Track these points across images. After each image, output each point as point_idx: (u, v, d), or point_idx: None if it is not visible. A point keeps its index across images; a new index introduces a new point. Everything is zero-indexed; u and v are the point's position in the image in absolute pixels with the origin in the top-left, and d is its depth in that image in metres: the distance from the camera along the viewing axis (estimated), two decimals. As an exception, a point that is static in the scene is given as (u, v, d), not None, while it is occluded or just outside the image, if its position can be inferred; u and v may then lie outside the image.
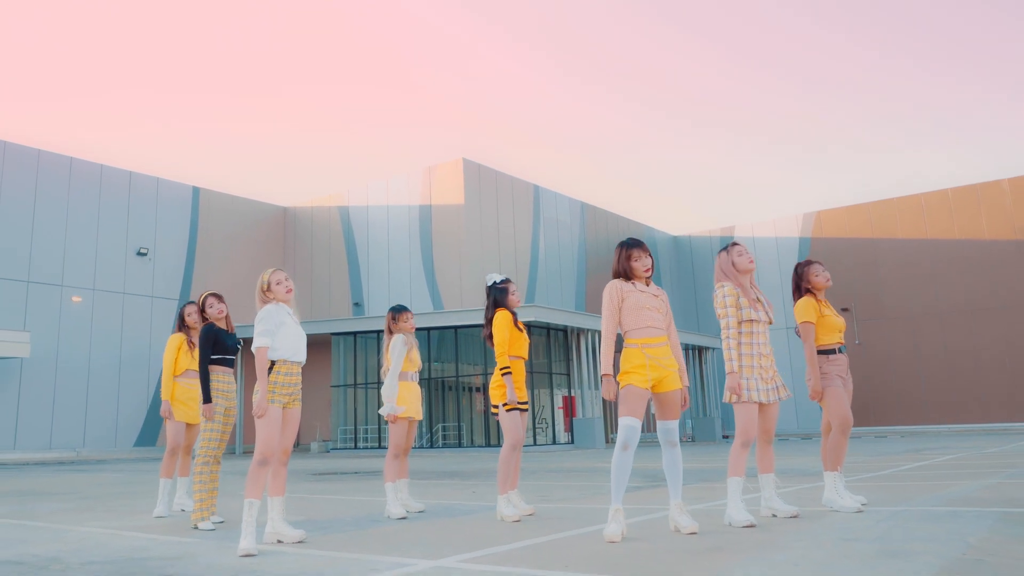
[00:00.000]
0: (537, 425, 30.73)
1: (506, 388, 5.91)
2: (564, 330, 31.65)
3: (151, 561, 4.26)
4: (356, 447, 31.73)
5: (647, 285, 4.92)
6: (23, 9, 74.88)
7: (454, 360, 31.58)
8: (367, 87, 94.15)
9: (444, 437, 31.38)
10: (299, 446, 35.05)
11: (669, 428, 4.79)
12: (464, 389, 31.90)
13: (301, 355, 5.10)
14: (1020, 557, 3.52)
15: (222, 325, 6.35)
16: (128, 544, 4.98)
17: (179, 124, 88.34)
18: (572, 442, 30.36)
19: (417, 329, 30.60)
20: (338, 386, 32.94)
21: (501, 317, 6.06)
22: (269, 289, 5.13)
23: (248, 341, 5.39)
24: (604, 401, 33.22)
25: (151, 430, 31.99)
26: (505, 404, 5.90)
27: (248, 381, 30.54)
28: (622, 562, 3.77)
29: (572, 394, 31.53)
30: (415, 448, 30.48)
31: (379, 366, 7.01)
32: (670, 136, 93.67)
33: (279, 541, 4.84)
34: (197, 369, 6.99)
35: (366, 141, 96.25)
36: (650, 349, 4.73)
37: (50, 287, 30.01)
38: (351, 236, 38.31)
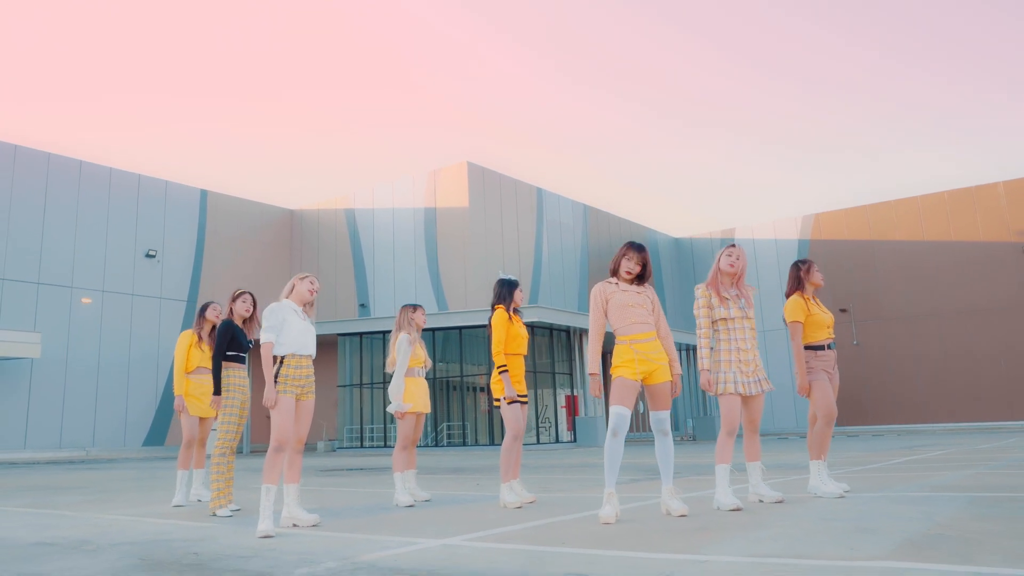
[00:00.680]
0: (540, 424, 31.04)
1: (504, 384, 6.18)
2: (567, 330, 31.98)
3: (175, 543, 4.57)
4: (362, 446, 32.07)
5: (630, 285, 5.21)
6: (33, 14, 75.45)
7: (458, 360, 31.92)
8: (372, 91, 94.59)
9: (449, 436, 31.69)
10: (306, 444, 35.34)
11: (660, 418, 5.08)
12: (468, 389, 32.22)
13: (308, 348, 5.37)
14: (976, 531, 3.83)
15: (240, 323, 6.57)
16: (151, 529, 5.29)
17: (187, 128, 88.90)
18: (575, 441, 30.67)
19: (422, 330, 31.02)
20: (344, 386, 33.27)
21: (497, 317, 6.35)
22: (293, 289, 5.51)
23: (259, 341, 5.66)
24: (606, 400, 33.50)
25: (160, 429, 32.36)
26: (506, 398, 6.17)
27: (258, 381, 30.90)
28: (613, 540, 4.08)
29: (575, 394, 31.86)
30: (420, 447, 30.81)
31: (384, 363, 7.41)
32: (672, 138, 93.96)
33: (294, 525, 5.16)
34: (209, 366, 7.34)
35: (371, 145, 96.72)
36: (638, 345, 5.02)
37: (60, 289, 30.40)
38: (357, 238, 38.65)
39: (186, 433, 7.40)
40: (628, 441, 27.84)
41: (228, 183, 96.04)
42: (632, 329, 5.05)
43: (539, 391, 31.03)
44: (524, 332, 6.44)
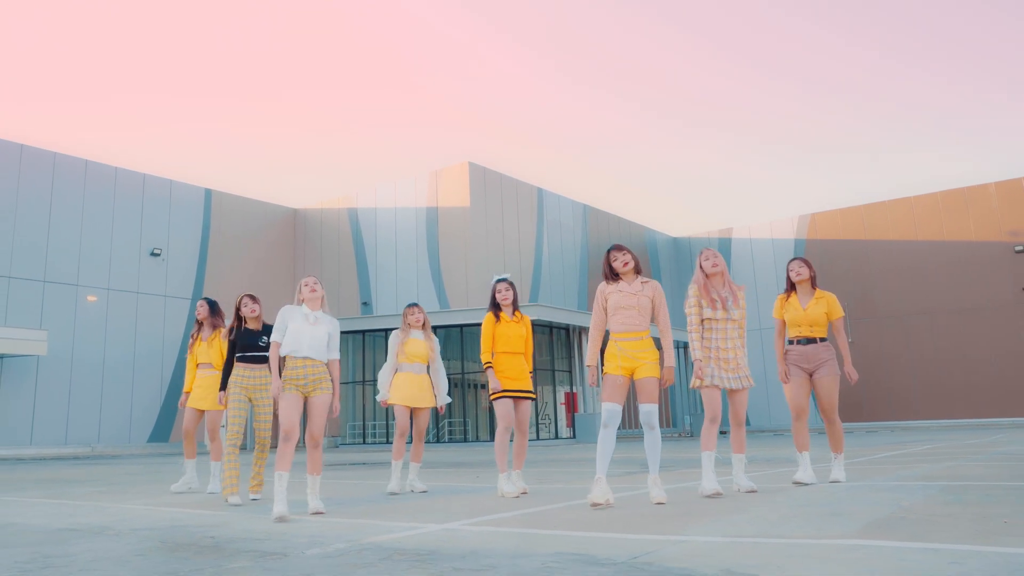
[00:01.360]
0: (540, 421, 31.37)
1: (489, 379, 6.53)
2: (567, 328, 32.31)
3: (191, 528, 4.86)
4: (364, 442, 32.41)
5: (630, 282, 5.56)
6: (38, 15, 75.76)
7: (460, 358, 32.24)
8: (374, 92, 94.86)
9: (450, 432, 32.03)
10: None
11: (646, 411, 5.39)
12: (469, 386, 32.55)
13: (303, 351, 5.59)
14: (938, 515, 4.13)
15: (251, 325, 6.84)
16: (167, 516, 5.59)
17: (191, 128, 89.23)
18: (574, 437, 31.01)
19: (424, 326, 31.34)
20: (347, 383, 33.60)
21: (485, 321, 6.68)
22: (300, 292, 5.85)
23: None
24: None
25: (164, 426, 32.68)
26: (491, 393, 6.52)
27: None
28: (601, 524, 4.38)
29: (574, 390, 32.19)
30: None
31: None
32: (670, 138, 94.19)
33: (315, 512, 5.44)
34: (211, 362, 7.91)
35: (374, 145, 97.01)
36: (622, 343, 5.42)
37: (66, 287, 30.71)
38: (360, 237, 38.96)
39: (184, 426, 8.06)
40: (629, 437, 28.14)
41: (232, 183, 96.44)
42: (619, 328, 5.46)
43: (539, 388, 31.33)
44: (515, 331, 6.65)
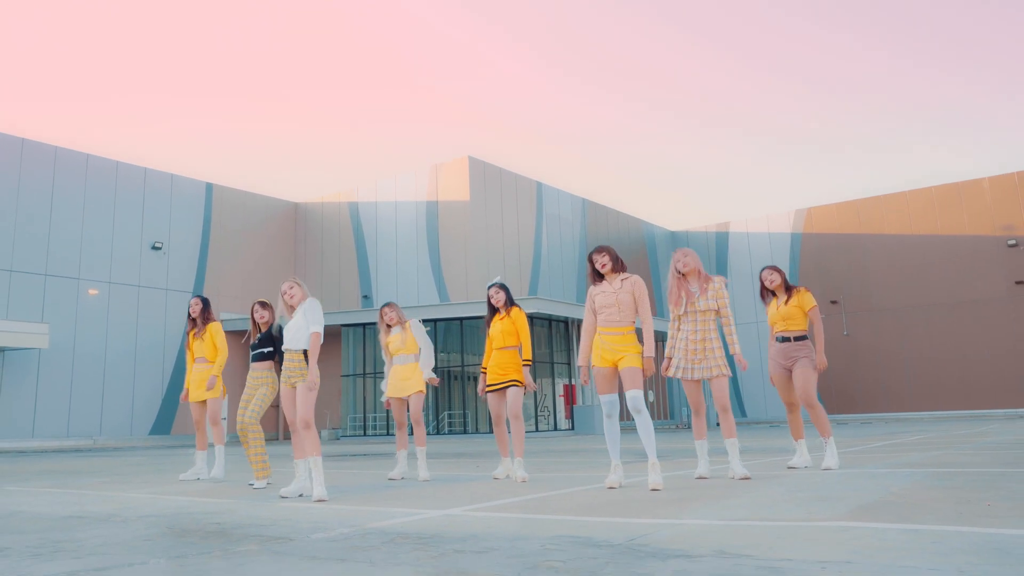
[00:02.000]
0: (539, 412, 31.52)
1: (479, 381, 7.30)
2: (565, 321, 32.45)
3: (197, 515, 4.96)
4: (365, 434, 32.54)
5: (611, 281, 5.88)
6: (40, 11, 75.65)
7: (459, 350, 32.36)
8: (375, 87, 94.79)
9: (450, 424, 32.17)
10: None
11: (631, 396, 5.64)
12: (469, 378, 32.66)
13: (290, 344, 6.08)
14: (922, 499, 4.25)
15: (263, 328, 7.30)
16: (173, 503, 5.70)
17: (193, 123, 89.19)
18: (572, 428, 31.17)
19: (424, 320, 31.46)
20: (348, 375, 33.74)
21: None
22: (281, 303, 6.28)
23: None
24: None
25: (166, 418, 32.79)
26: (479, 391, 7.35)
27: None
28: (599, 509, 4.49)
29: (573, 383, 32.34)
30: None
31: None
32: (669, 133, 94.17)
33: (319, 501, 5.63)
34: (207, 356, 8.37)
35: (374, 140, 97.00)
36: (605, 337, 5.79)
37: (67, 280, 30.80)
38: (360, 231, 39.04)
39: (192, 417, 8.51)
40: (625, 428, 28.22)
41: (233, 177, 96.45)
42: (603, 323, 5.83)
43: (537, 380, 31.46)
44: (506, 327, 7.17)
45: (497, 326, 7.19)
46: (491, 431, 30.39)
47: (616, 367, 5.73)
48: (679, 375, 6.21)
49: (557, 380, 32.91)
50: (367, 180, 39.95)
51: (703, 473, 5.97)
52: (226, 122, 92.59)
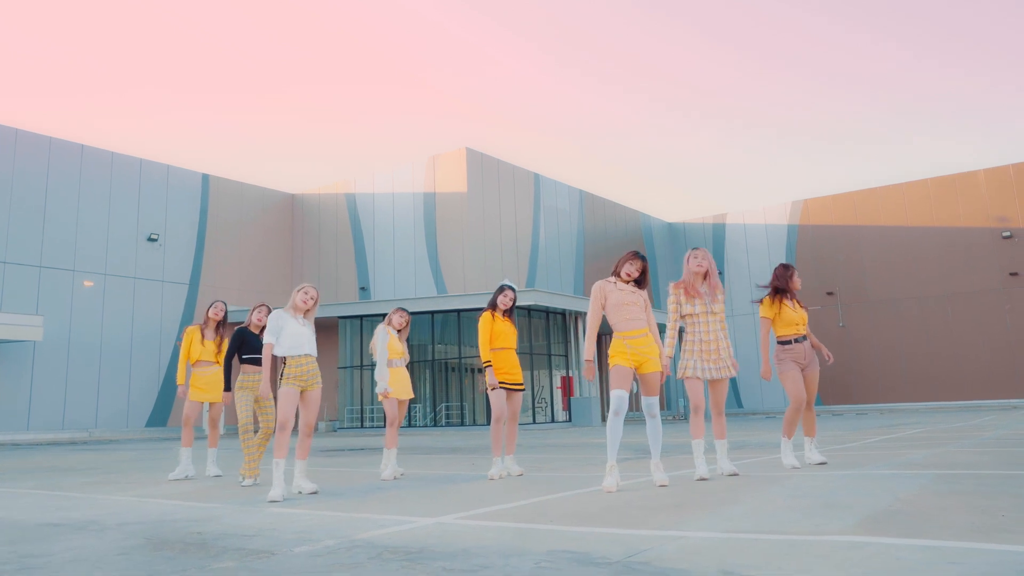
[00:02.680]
0: (536, 404, 31.40)
1: (488, 375, 7.19)
2: (563, 313, 32.31)
3: (179, 522, 4.79)
4: (362, 426, 32.42)
5: (626, 285, 5.93)
6: (36, 3, 75.17)
7: (457, 342, 32.22)
8: (372, 79, 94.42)
9: (448, 416, 32.04)
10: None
11: (649, 402, 5.83)
12: (467, 370, 32.54)
13: (302, 348, 6.19)
14: (933, 507, 4.08)
15: (256, 331, 7.48)
16: (156, 509, 5.52)
17: (190, 115, 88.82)
18: (570, 420, 31.06)
19: (421, 312, 31.44)
20: (345, 367, 33.59)
21: (482, 320, 7.31)
22: (298, 301, 6.35)
23: None
24: (600, 381, 34.02)
25: (162, 410, 32.66)
26: (489, 386, 7.21)
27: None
28: (597, 517, 4.31)
29: (570, 374, 32.21)
30: (419, 427, 31.19)
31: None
32: (666, 125, 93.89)
33: (299, 492, 6.08)
34: (213, 360, 8.39)
35: (372, 131, 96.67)
36: (631, 340, 5.76)
37: (62, 272, 30.60)
38: (357, 223, 38.84)
39: (183, 414, 8.45)
40: (628, 420, 28.15)
41: (230, 168, 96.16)
42: (626, 326, 5.79)
43: (535, 372, 31.37)
44: (508, 328, 7.35)
45: (503, 325, 7.32)
46: (489, 423, 30.30)
47: (638, 369, 5.76)
48: (697, 375, 6.21)
49: (554, 372, 32.79)
50: (364, 172, 39.77)
51: (703, 475, 5.92)
52: (223, 114, 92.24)
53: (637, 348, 5.73)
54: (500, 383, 7.18)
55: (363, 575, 3.00)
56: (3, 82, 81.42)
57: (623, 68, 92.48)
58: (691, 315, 6.34)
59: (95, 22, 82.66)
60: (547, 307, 30.32)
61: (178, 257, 34.57)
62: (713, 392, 6.29)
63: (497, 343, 7.27)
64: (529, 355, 30.60)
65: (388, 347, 7.87)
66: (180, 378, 8.52)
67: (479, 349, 7.30)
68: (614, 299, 5.86)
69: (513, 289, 7.52)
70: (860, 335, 40.88)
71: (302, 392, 6.19)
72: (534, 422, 30.31)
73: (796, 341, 6.94)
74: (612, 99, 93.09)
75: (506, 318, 7.42)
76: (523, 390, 7.37)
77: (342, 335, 33.67)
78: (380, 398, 7.84)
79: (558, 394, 32.74)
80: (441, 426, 31.47)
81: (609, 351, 5.86)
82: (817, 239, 42.99)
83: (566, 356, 32.53)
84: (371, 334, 34.01)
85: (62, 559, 3.58)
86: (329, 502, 5.57)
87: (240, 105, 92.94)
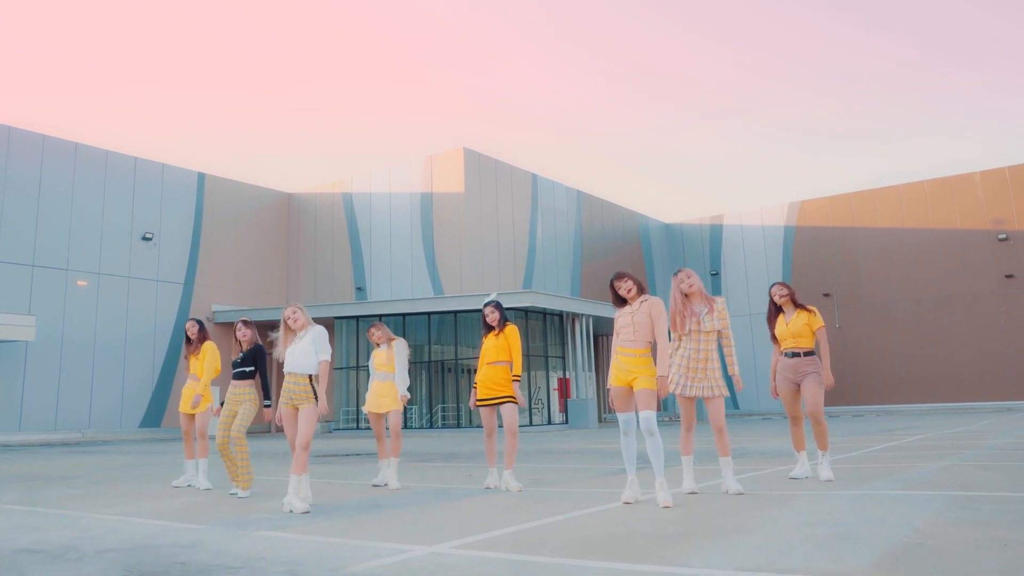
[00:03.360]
0: (533, 406, 31.21)
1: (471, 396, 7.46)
2: (560, 315, 32.11)
3: (163, 548, 4.56)
4: (358, 427, 32.20)
5: (632, 303, 6.02)
6: (31, 0, 74.77)
7: (453, 343, 32.02)
8: (369, 78, 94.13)
9: (443, 418, 31.84)
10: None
11: (644, 417, 5.80)
12: (463, 371, 32.34)
13: (286, 367, 6.38)
14: (957, 541, 3.88)
15: (247, 346, 7.63)
16: (140, 531, 5.26)
17: (186, 113, 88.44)
18: (567, 422, 30.87)
19: (418, 314, 31.21)
20: (340, 368, 33.36)
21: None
22: (283, 327, 6.53)
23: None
24: (597, 383, 33.92)
25: (156, 411, 32.41)
26: (470, 404, 7.51)
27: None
28: (600, 547, 4.12)
29: (567, 376, 32.03)
30: (416, 428, 31.00)
31: None
32: (664, 125, 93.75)
33: (290, 511, 5.98)
34: (198, 374, 8.63)
35: (369, 131, 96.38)
36: (622, 357, 5.93)
37: (55, 271, 30.32)
38: (354, 222, 38.61)
39: (182, 430, 8.88)
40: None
41: (226, 167, 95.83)
42: (620, 344, 5.98)
43: (532, 373, 31.18)
44: (499, 344, 7.39)
45: (491, 342, 7.38)
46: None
47: (631, 387, 5.85)
48: (677, 391, 6.27)
49: (551, 373, 32.60)
50: (361, 171, 39.52)
51: (691, 488, 6.12)
52: (219, 112, 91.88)
53: (625, 365, 5.86)
54: (477, 401, 7.35)
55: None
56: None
57: (623, 68, 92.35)
58: (684, 334, 6.37)
59: (89, 19, 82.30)
60: (544, 308, 30.12)
61: (173, 256, 34.31)
62: (708, 410, 6.28)
63: (489, 358, 7.38)
64: (526, 357, 30.41)
65: (371, 362, 8.24)
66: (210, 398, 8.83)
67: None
68: (618, 324, 6.06)
69: (494, 303, 7.50)
70: (856, 336, 41.01)
71: (298, 409, 6.36)
72: (531, 424, 30.11)
73: (785, 355, 7.11)
74: (611, 99, 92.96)
75: (500, 332, 7.40)
76: (512, 402, 7.26)
77: (338, 336, 33.43)
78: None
79: (555, 396, 32.55)
80: (437, 428, 31.27)
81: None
82: (814, 241, 43.18)
83: (563, 358, 32.34)
84: (366, 335, 34.07)
85: (34, 599, 3.38)
86: (321, 524, 5.36)
87: (236, 103, 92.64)
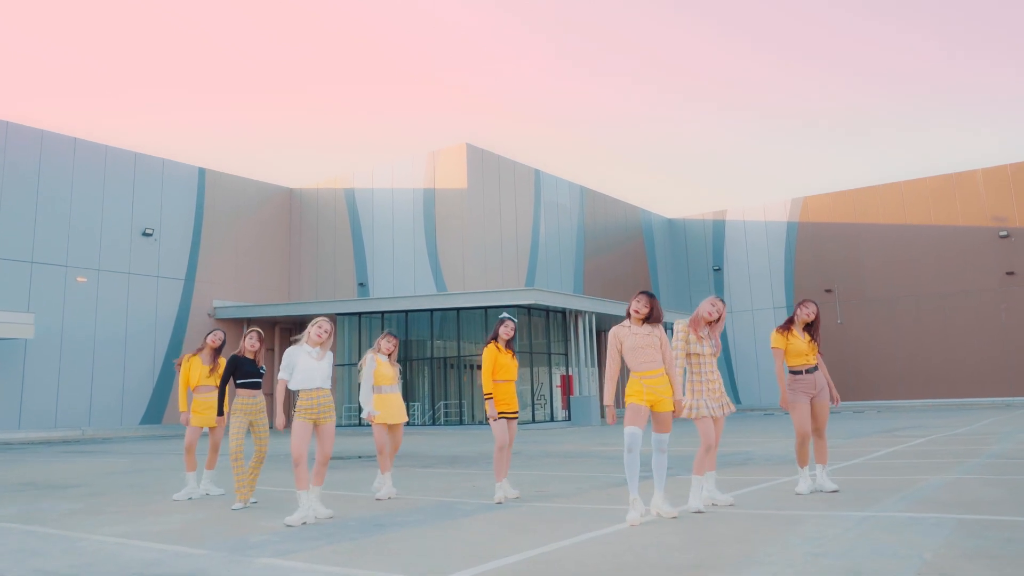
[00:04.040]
0: (535, 402, 31.17)
1: (488, 407, 7.45)
2: (563, 312, 32.05)
3: (164, 577, 4.50)
4: (359, 424, 32.17)
5: (640, 326, 6.11)
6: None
7: (456, 339, 31.97)
8: (372, 74, 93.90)
9: (446, 414, 31.81)
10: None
11: (660, 439, 6.10)
12: (465, 367, 32.29)
13: (312, 383, 6.55)
14: (965, 573, 3.81)
15: (250, 356, 7.75)
16: (140, 557, 5.16)
17: (187, 108, 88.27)
18: (569, 419, 30.84)
19: (420, 310, 31.13)
20: (342, 365, 33.33)
21: (487, 352, 7.57)
22: (307, 334, 6.66)
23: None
24: (600, 381, 33.85)
25: (157, 408, 32.38)
26: (489, 418, 7.47)
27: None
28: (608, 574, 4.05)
29: (570, 373, 31.98)
30: (418, 425, 30.97)
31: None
32: (668, 121, 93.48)
33: (316, 517, 6.45)
34: (213, 384, 8.58)
35: (371, 126, 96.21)
36: (647, 380, 6.01)
37: (54, 268, 30.25)
38: (356, 218, 38.52)
39: (185, 440, 8.62)
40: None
41: (227, 162, 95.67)
42: (642, 367, 6.02)
43: (535, 370, 31.12)
44: (511, 361, 7.64)
45: (506, 359, 7.58)
46: (486, 423, 30.07)
47: (652, 407, 6.01)
48: (709, 414, 6.47)
49: (554, 370, 32.56)
50: (363, 166, 39.50)
51: (698, 508, 6.19)
52: (220, 107, 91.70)
53: (653, 388, 5.98)
54: (500, 414, 7.46)
55: None
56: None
57: (627, 64, 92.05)
58: (698, 355, 6.63)
59: (90, 16, 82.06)
60: (547, 305, 30.05)
61: (173, 252, 34.23)
62: (715, 429, 6.56)
63: (499, 375, 7.52)
64: (529, 353, 30.36)
65: (376, 374, 8.09)
66: (183, 405, 8.72)
67: (482, 380, 7.57)
68: (629, 343, 6.07)
69: (514, 320, 7.73)
70: (858, 332, 41.16)
71: (316, 425, 6.54)
72: (533, 421, 30.08)
73: (807, 372, 7.19)
74: (615, 95, 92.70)
75: (508, 350, 7.65)
76: (517, 416, 7.68)
77: (340, 332, 33.38)
78: (368, 419, 8.05)
79: (557, 393, 32.52)
80: (440, 424, 31.24)
81: (627, 390, 6.07)
82: (816, 237, 43.28)
83: (566, 354, 32.28)
84: (369, 331, 33.77)
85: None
86: (324, 549, 5.29)
87: (238, 98, 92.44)
